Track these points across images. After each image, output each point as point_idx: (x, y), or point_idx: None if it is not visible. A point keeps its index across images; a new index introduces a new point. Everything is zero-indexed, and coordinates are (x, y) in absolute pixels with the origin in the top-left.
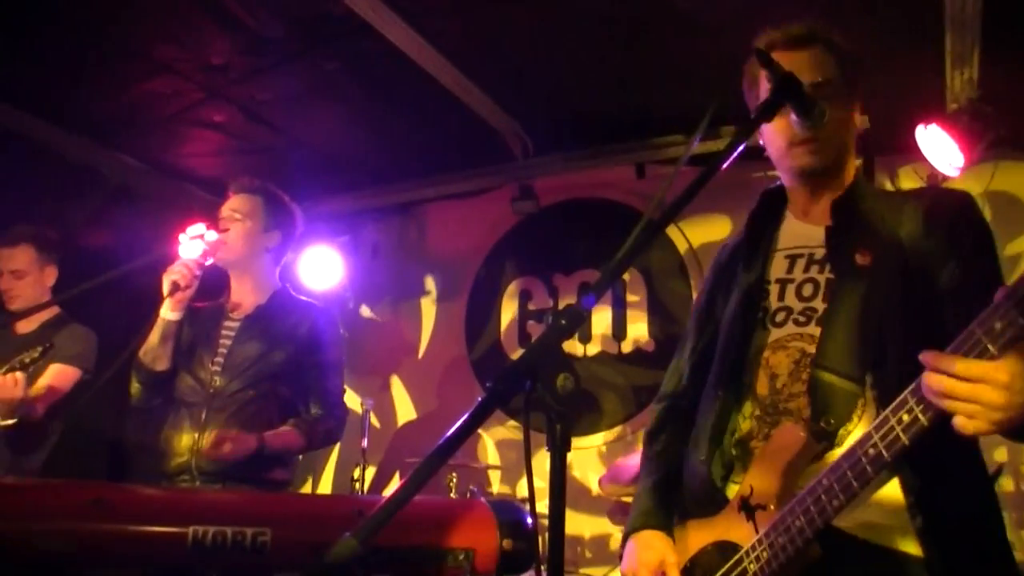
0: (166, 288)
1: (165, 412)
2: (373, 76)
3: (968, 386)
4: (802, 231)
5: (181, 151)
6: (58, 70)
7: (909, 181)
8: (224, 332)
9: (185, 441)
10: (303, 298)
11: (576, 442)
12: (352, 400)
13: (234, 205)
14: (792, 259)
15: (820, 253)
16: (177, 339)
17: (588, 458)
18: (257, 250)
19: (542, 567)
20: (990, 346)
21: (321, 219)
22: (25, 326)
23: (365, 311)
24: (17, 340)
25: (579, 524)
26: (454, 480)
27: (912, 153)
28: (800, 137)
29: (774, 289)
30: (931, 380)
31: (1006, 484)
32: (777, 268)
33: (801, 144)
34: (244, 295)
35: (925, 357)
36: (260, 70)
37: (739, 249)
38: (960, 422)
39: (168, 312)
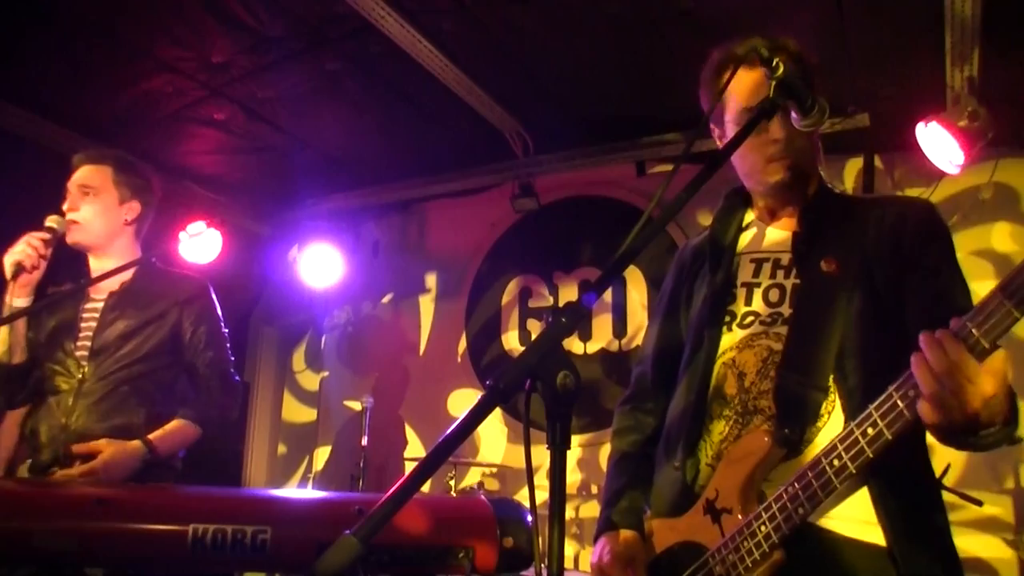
0: (8, 271)
1: (33, 405)
2: (374, 74)
3: (959, 379)
4: (768, 235)
5: (182, 149)
6: (58, 70)
7: (909, 179)
8: (86, 315)
9: (53, 431)
10: (175, 271)
11: (576, 440)
12: (352, 398)
13: (81, 179)
14: (758, 263)
15: (786, 259)
16: (36, 328)
17: (588, 456)
18: (115, 226)
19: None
20: (982, 340)
21: (322, 217)
22: None
23: (366, 308)
24: None
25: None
26: (454, 478)
27: (912, 151)
28: (776, 154)
29: (741, 293)
30: (934, 356)
31: (1008, 483)
32: (744, 272)
33: (777, 160)
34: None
35: (928, 335)
36: (261, 69)
37: (702, 251)
38: (925, 408)
39: (14, 298)
